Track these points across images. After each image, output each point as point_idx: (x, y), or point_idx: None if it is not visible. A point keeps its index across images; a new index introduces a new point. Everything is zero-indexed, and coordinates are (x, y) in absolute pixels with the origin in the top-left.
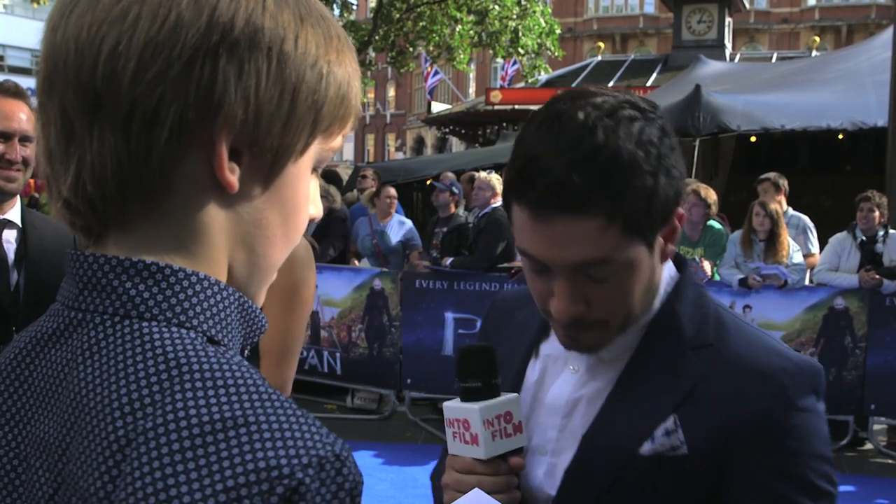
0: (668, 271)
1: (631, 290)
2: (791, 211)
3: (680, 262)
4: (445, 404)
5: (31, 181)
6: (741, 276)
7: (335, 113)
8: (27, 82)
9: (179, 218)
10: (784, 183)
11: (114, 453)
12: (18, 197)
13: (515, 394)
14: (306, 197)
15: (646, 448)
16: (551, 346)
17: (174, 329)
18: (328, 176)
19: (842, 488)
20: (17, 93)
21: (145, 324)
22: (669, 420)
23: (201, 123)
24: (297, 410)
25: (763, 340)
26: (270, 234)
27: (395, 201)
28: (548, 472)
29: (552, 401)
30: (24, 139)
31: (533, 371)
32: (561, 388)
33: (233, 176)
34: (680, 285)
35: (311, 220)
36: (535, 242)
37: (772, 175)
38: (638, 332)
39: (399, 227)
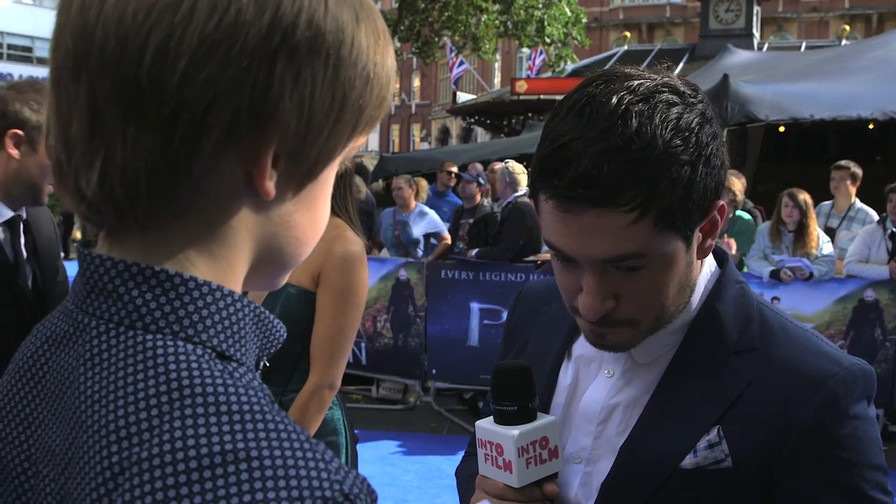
0: (707, 267)
1: (664, 287)
2: (858, 203)
3: (720, 257)
4: (478, 424)
5: None
6: (770, 267)
7: (373, 114)
8: None
9: (207, 220)
10: (860, 173)
11: (106, 481)
12: None
13: (552, 417)
14: (330, 192)
15: (688, 461)
16: (583, 346)
17: (180, 344)
18: (355, 168)
19: None
20: None
21: (150, 336)
22: (713, 432)
23: (251, 132)
24: (305, 443)
25: (810, 342)
26: (300, 234)
27: (405, 192)
28: (583, 481)
29: (586, 407)
30: None
31: (566, 374)
32: (596, 394)
33: (271, 182)
34: (721, 282)
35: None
36: (561, 235)
37: (851, 164)
38: (675, 333)
39: (420, 218)
